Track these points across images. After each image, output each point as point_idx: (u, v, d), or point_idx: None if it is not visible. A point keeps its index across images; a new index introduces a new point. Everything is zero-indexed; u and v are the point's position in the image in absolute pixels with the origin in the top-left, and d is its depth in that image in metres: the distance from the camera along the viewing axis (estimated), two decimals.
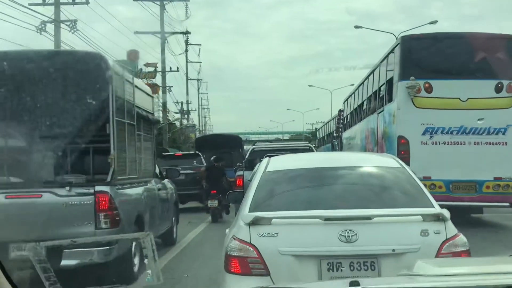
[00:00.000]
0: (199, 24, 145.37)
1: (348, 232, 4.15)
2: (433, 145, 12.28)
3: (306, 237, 4.24)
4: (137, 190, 8.55)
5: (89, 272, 7.00)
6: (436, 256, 4.16)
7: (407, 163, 11.93)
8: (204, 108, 78.71)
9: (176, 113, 49.17)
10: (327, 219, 4.23)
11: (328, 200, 4.66)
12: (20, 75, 7.51)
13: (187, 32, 37.90)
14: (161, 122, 34.01)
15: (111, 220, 7.06)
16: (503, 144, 12.09)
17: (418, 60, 12.61)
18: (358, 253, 4.15)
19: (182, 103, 51.02)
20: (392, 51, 13.53)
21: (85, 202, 7.04)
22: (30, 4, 21.35)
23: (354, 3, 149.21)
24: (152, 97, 11.24)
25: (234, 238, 4.31)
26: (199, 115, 69.51)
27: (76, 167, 7.54)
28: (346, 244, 4.14)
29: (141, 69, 41.53)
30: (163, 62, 34.51)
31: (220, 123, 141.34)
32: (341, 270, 4.14)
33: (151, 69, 39.39)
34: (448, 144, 12.24)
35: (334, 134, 25.56)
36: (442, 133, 12.26)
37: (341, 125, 23.62)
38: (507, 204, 12.15)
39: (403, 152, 12.38)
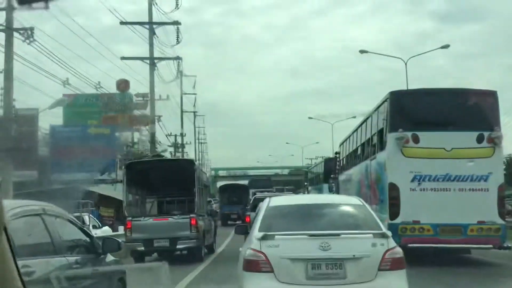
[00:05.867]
0: (198, 62, 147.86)
1: (325, 244, 6.23)
2: (421, 192, 13.30)
3: (297, 247, 6.35)
4: (203, 219, 16.93)
5: (186, 251, 16.12)
6: (381, 260, 6.18)
7: (398, 208, 13.23)
8: (201, 143, 76.03)
9: (169, 146, 47.71)
10: (311, 235, 6.39)
11: (312, 224, 6.80)
12: (158, 170, 18.01)
13: (178, 58, 34.96)
14: (148, 154, 33.01)
15: (196, 229, 15.49)
16: (485, 191, 13.13)
17: (406, 114, 13.77)
18: (331, 257, 6.22)
19: (176, 135, 49.43)
20: (382, 103, 14.71)
21: (186, 221, 15.54)
22: None
23: (351, 42, 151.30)
24: (206, 173, 22.52)
25: (249, 248, 6.42)
26: (195, 149, 66.91)
27: (181, 208, 17.86)
28: (323, 251, 6.21)
29: (132, 99, 39.06)
30: (152, 84, 31.38)
31: (217, 158, 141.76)
32: (320, 269, 6.21)
33: (141, 99, 38.24)
34: (435, 190, 13.27)
35: (332, 175, 26.57)
36: (429, 180, 13.30)
37: (337, 168, 24.65)
38: (491, 246, 13.13)
39: (393, 197, 13.41)
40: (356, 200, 7.59)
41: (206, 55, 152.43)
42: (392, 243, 6.35)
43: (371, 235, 6.35)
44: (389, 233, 6.44)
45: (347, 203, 7.63)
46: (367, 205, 7.27)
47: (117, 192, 30.52)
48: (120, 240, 6.76)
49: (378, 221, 6.83)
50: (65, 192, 23.27)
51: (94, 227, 21.77)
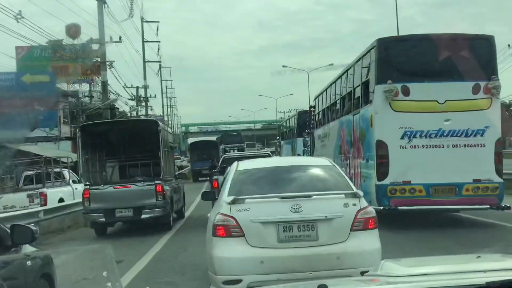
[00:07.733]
0: (166, 15, 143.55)
1: (296, 205, 6.09)
2: (412, 149, 12.13)
3: (268, 210, 6.15)
4: (170, 184, 15.41)
5: (152, 221, 14.17)
6: (354, 220, 6.08)
7: (386, 168, 12.00)
8: (169, 98, 72.78)
9: (130, 99, 43.34)
10: (283, 197, 6.19)
11: (282, 187, 6.54)
12: (118, 132, 16.27)
13: None
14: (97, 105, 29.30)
15: (162, 197, 14.04)
16: (481, 146, 12.01)
17: (395, 63, 12.41)
18: (303, 219, 6.07)
19: (137, 87, 44.68)
20: (367, 52, 13.31)
21: (151, 188, 14.03)
22: None
23: None
24: (172, 133, 20.34)
25: (219, 213, 6.20)
26: (162, 104, 63.64)
27: (146, 172, 16.21)
28: (295, 213, 6.07)
29: (89, 47, 33.84)
30: (101, 24, 27.47)
31: (188, 114, 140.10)
32: (292, 231, 6.07)
33: (97, 46, 32.44)
34: (426, 147, 12.10)
35: (306, 131, 25.30)
36: (420, 136, 12.11)
37: (313, 122, 23.38)
38: (487, 206, 12.07)
39: (381, 156, 12.23)
40: (325, 161, 7.51)
41: (175, 8, 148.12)
42: (364, 203, 6.30)
43: (342, 195, 6.28)
44: (361, 193, 6.38)
45: (317, 165, 7.51)
46: (337, 166, 7.27)
47: (61, 151, 27.50)
48: (34, 228, 5.37)
49: (349, 181, 6.80)
50: None
51: (74, 182, 20.30)
